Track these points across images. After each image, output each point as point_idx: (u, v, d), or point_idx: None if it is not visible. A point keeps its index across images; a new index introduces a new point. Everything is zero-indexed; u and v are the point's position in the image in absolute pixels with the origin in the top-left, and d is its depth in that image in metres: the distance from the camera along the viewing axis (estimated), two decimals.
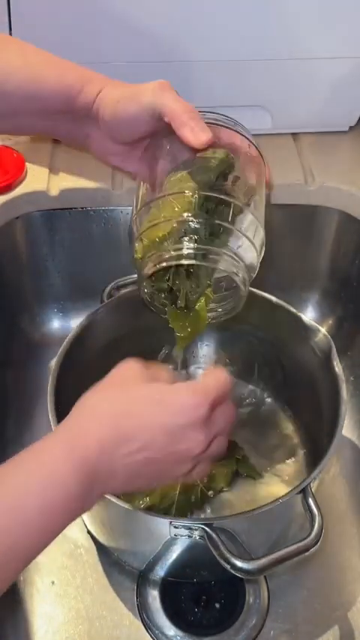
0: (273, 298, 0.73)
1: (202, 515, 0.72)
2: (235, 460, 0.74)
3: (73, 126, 0.58)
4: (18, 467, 0.43)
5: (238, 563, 0.53)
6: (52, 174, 0.82)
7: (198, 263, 0.54)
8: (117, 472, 0.46)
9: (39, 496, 0.42)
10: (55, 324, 0.93)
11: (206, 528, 0.56)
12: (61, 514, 0.43)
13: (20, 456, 0.44)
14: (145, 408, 0.47)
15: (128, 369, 0.50)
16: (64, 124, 0.58)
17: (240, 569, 0.53)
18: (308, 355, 0.72)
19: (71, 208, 0.83)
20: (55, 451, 0.44)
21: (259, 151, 0.61)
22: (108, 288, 0.74)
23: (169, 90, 0.56)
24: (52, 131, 0.60)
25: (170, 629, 0.68)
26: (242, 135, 0.61)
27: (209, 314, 0.61)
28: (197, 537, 0.58)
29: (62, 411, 0.64)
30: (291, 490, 0.59)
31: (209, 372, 0.51)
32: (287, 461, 0.78)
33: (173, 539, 0.59)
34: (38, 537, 0.42)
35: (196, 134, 0.54)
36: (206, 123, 0.57)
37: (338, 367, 0.67)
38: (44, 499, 0.42)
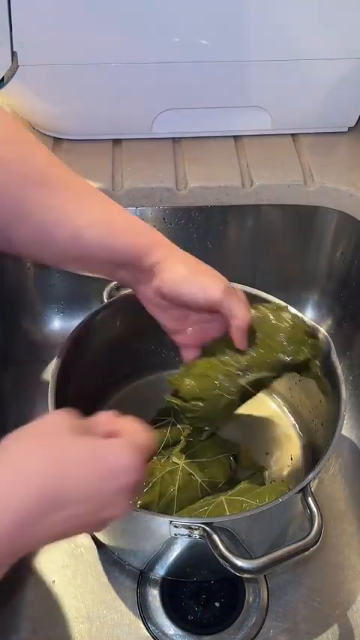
0: (273, 298, 0.73)
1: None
2: (233, 456, 0.74)
3: (129, 275, 0.62)
4: None
5: (238, 563, 0.53)
6: None
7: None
8: (37, 537, 0.43)
9: None
10: (56, 324, 0.93)
11: (206, 528, 0.56)
12: None
13: None
14: (77, 470, 0.43)
15: (56, 421, 0.46)
16: (119, 272, 0.63)
17: (240, 569, 0.53)
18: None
19: None
20: None
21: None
22: (108, 288, 0.74)
23: (235, 294, 0.61)
24: (106, 274, 0.64)
25: (170, 628, 0.68)
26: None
27: None
28: (197, 537, 0.58)
29: None
30: (291, 490, 0.59)
31: (136, 428, 0.49)
32: (286, 460, 0.78)
33: (173, 538, 0.59)
34: None
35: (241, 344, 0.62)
36: None
37: (338, 367, 0.67)
38: None
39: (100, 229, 0.59)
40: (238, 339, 0.62)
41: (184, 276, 0.60)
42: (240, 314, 0.60)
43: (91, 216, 0.59)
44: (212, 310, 0.61)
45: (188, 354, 0.66)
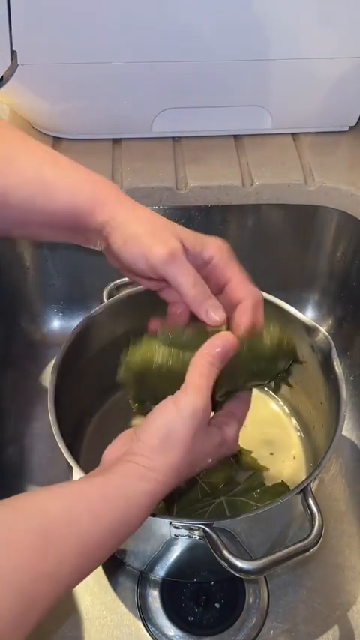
0: (273, 298, 0.73)
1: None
2: (234, 457, 0.74)
3: (82, 238, 0.57)
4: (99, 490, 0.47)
5: (239, 564, 0.53)
6: None
7: None
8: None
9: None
10: (56, 324, 0.93)
11: (206, 528, 0.55)
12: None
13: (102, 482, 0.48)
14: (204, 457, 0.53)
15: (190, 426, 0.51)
16: (72, 236, 0.57)
17: (240, 570, 0.53)
18: (308, 355, 0.72)
19: None
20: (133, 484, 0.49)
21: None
22: (108, 288, 0.74)
23: (182, 261, 0.53)
24: (61, 239, 0.58)
25: (170, 629, 0.68)
26: None
27: None
28: (197, 537, 0.58)
29: (62, 411, 0.64)
30: (291, 490, 0.59)
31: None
32: (287, 461, 0.78)
33: (173, 539, 0.59)
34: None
35: (210, 317, 0.54)
36: None
37: (338, 367, 0.67)
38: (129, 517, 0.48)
39: (30, 189, 0.53)
40: (189, 315, 0.55)
41: (126, 239, 0.53)
42: (185, 284, 0.52)
43: (20, 175, 0.53)
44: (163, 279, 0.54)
45: (176, 309, 0.58)
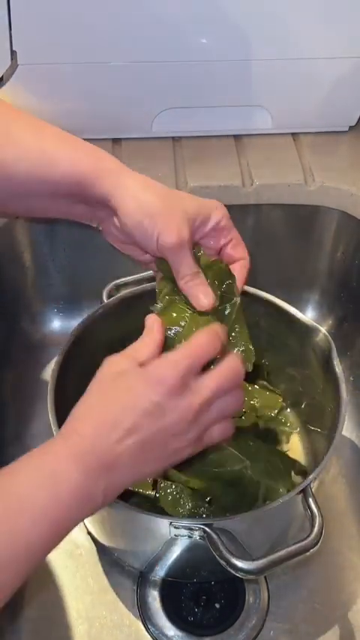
0: (273, 298, 0.73)
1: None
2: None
3: (86, 210, 0.58)
4: (21, 469, 0.44)
5: (239, 564, 0.53)
6: None
7: None
8: (116, 462, 0.46)
9: (45, 491, 0.43)
10: (55, 324, 0.93)
11: (206, 529, 0.56)
12: (68, 507, 0.44)
13: (21, 459, 0.45)
14: (118, 393, 0.48)
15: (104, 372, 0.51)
16: (77, 208, 0.58)
17: (240, 570, 0.53)
18: (308, 355, 0.72)
19: None
20: (54, 448, 0.46)
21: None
22: (108, 288, 0.74)
23: (184, 252, 0.55)
24: (65, 213, 0.59)
25: (170, 629, 0.68)
26: None
27: None
28: (197, 538, 0.58)
29: (62, 411, 0.64)
30: (291, 490, 0.59)
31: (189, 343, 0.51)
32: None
33: (173, 539, 0.59)
34: (49, 533, 0.43)
35: (201, 301, 0.57)
36: None
37: (338, 367, 0.67)
38: (51, 493, 0.43)
39: (30, 160, 0.54)
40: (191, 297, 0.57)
41: (139, 221, 0.54)
42: (184, 271, 0.56)
43: (19, 147, 0.54)
44: None
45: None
